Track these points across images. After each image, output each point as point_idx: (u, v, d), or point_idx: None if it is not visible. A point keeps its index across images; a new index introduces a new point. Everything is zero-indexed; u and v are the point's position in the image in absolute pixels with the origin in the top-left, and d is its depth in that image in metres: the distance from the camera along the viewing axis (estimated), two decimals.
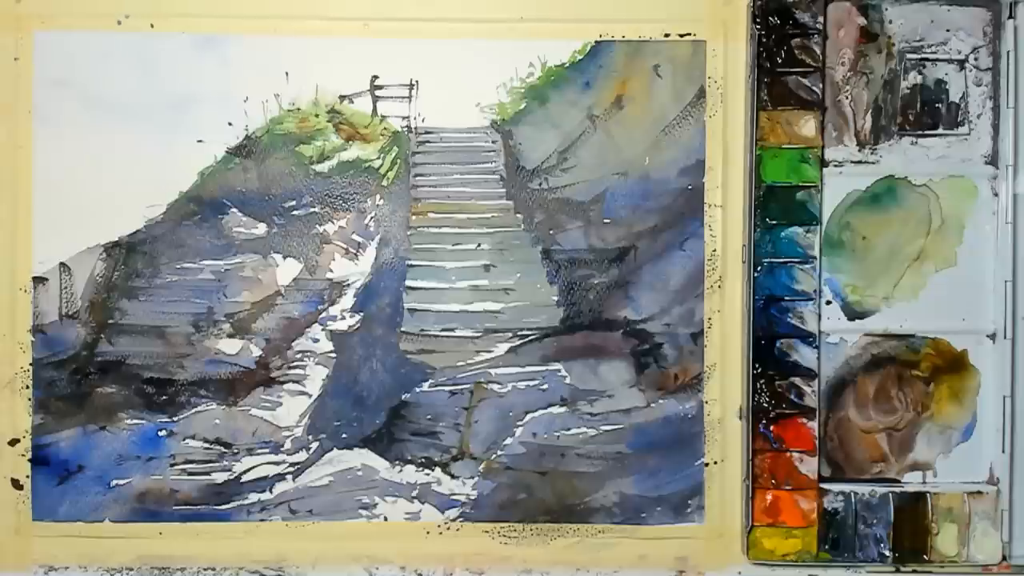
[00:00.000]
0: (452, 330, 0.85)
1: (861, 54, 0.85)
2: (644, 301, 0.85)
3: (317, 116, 0.85)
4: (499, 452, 0.86)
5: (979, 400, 0.85)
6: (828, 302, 0.85)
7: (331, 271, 0.86)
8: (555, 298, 0.85)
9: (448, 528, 0.86)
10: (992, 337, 0.85)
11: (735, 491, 0.85)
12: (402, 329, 0.85)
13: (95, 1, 0.83)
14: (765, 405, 0.84)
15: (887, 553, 0.84)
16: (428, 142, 0.85)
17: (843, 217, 0.85)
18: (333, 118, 0.85)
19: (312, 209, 0.85)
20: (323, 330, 0.85)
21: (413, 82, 0.85)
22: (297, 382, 0.85)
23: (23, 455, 0.84)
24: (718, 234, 0.85)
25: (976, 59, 0.84)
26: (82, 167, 0.84)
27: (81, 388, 0.84)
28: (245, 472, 0.85)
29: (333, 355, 0.85)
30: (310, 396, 0.85)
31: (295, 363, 0.85)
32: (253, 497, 0.85)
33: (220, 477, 0.85)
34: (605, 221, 0.85)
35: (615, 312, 0.85)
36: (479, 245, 0.86)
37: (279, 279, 0.85)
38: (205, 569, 0.86)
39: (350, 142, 0.85)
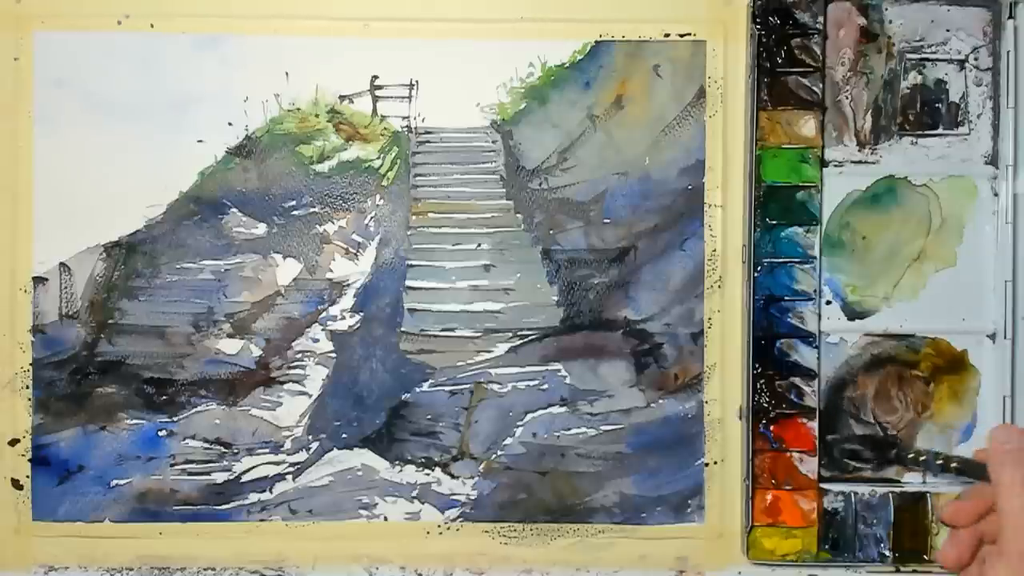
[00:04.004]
0: (452, 330, 0.85)
1: (861, 54, 0.85)
2: (644, 301, 0.85)
3: (317, 116, 0.85)
4: (499, 452, 0.86)
5: (979, 400, 0.85)
6: (828, 302, 0.85)
7: (331, 271, 0.86)
8: (555, 298, 0.85)
9: (448, 528, 0.86)
10: (992, 337, 0.85)
11: (735, 491, 0.85)
12: (402, 329, 0.85)
13: (95, 1, 0.83)
14: (765, 405, 0.84)
15: (887, 553, 0.84)
16: (428, 142, 0.85)
17: (843, 217, 0.85)
18: (333, 118, 0.85)
19: (312, 209, 0.85)
20: (323, 330, 0.85)
21: (413, 82, 0.85)
22: (297, 382, 0.85)
23: (23, 455, 0.84)
24: (718, 234, 0.85)
25: (976, 59, 0.84)
26: (82, 167, 0.84)
27: (81, 388, 0.84)
28: (245, 472, 0.85)
29: (333, 355, 0.85)
30: (310, 396, 0.85)
31: (295, 363, 0.85)
32: (253, 497, 0.85)
33: (220, 477, 0.85)
34: (605, 221, 0.85)
35: (615, 312, 0.85)
36: (479, 245, 0.86)
37: (279, 279, 0.85)
38: (205, 569, 0.86)
39: (350, 142, 0.85)
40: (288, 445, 0.85)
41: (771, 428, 0.84)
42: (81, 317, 0.84)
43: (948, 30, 0.84)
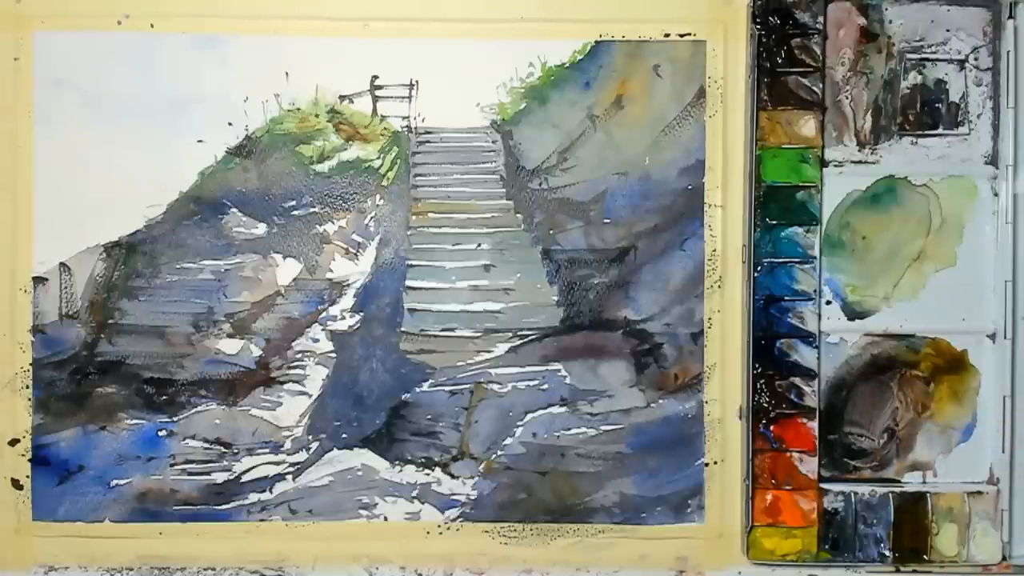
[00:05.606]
0: (452, 330, 0.85)
1: (861, 54, 0.85)
2: (644, 301, 0.85)
3: (317, 116, 0.85)
4: (499, 452, 0.86)
5: (979, 400, 0.85)
6: (828, 302, 0.85)
7: (331, 271, 0.86)
8: (555, 298, 0.85)
9: (448, 528, 0.86)
10: (992, 337, 0.85)
11: (735, 491, 0.85)
12: (402, 329, 0.85)
13: (95, 1, 0.83)
14: (765, 405, 0.84)
15: (887, 553, 0.84)
16: (428, 142, 0.85)
17: (843, 217, 0.85)
18: (333, 118, 0.85)
19: (312, 209, 0.85)
20: (323, 330, 0.85)
21: (413, 82, 0.85)
22: (297, 382, 0.85)
23: (23, 455, 0.84)
24: (718, 234, 0.85)
25: (976, 59, 0.84)
26: (82, 167, 0.84)
27: (81, 388, 0.84)
28: (245, 472, 0.85)
29: (333, 355, 0.85)
30: (310, 396, 0.85)
31: (295, 363, 0.85)
32: (253, 497, 0.85)
33: (220, 477, 0.85)
34: (605, 221, 0.85)
35: (615, 312, 0.85)
36: (479, 245, 0.86)
37: (279, 279, 0.85)
38: (205, 569, 0.86)
39: (350, 142, 0.85)
40: (288, 445, 0.85)
41: (771, 428, 0.84)
42: (81, 317, 0.84)
43: (948, 30, 0.84)
